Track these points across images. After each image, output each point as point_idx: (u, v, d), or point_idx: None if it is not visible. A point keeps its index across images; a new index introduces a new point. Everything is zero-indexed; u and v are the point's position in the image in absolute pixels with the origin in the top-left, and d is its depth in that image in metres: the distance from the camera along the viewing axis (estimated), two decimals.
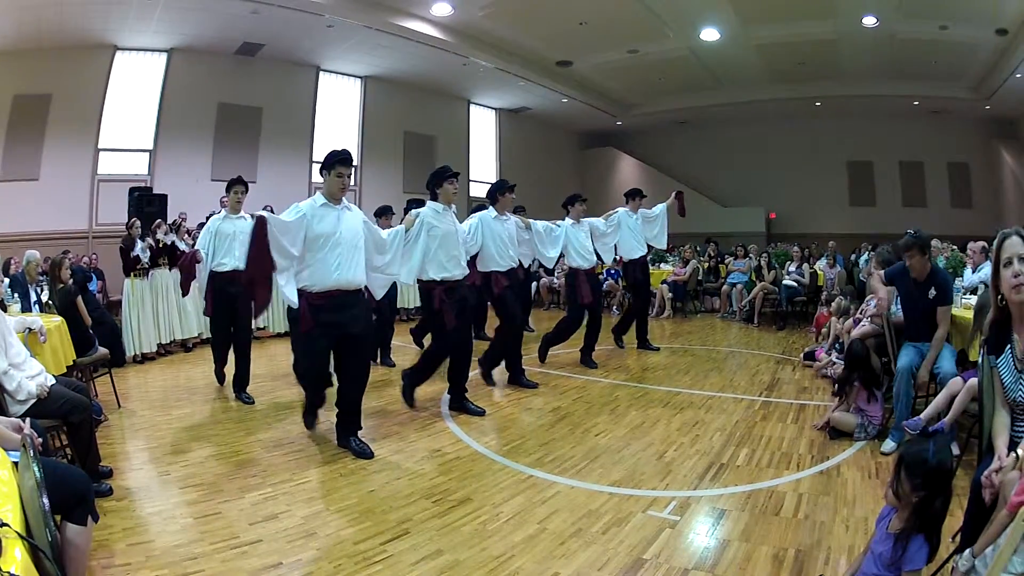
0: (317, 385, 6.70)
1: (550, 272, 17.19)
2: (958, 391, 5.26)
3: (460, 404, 7.53)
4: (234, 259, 7.95)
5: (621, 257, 10.98)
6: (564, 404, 7.83)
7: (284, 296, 5.99)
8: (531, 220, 9.17)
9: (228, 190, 8.40)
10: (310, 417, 6.88)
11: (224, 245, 8.13)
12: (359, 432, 6.28)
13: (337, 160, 6.16)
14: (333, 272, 5.97)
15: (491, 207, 8.25)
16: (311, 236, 5.93)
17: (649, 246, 11.08)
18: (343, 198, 6.25)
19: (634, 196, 10.77)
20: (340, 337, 6.12)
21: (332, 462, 5.85)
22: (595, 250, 10.08)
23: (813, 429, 6.65)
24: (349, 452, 6.10)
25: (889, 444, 5.75)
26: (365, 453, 6.04)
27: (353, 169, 6.42)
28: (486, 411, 7.45)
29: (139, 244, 10.57)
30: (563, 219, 9.88)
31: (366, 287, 6.45)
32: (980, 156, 22.77)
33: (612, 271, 15.50)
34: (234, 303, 8.09)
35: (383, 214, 10.33)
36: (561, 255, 9.68)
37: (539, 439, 6.49)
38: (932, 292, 5.84)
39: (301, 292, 5.99)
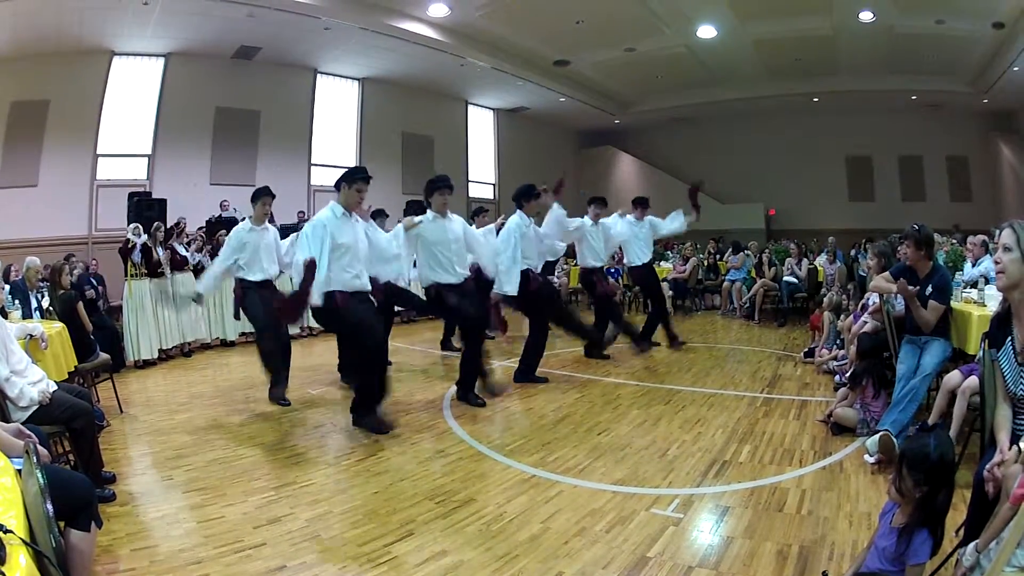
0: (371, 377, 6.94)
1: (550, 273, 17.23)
2: (955, 386, 5.25)
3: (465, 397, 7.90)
4: (262, 271, 8.11)
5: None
6: (566, 403, 7.82)
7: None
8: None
9: (256, 199, 8.24)
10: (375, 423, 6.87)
11: (248, 256, 8.07)
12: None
13: (360, 177, 6.80)
14: (351, 279, 6.65)
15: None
16: (333, 246, 6.48)
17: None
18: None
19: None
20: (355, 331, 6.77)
21: (335, 464, 5.87)
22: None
23: (816, 423, 6.67)
24: (366, 431, 6.74)
25: (871, 443, 5.62)
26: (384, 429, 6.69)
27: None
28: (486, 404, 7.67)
29: (138, 248, 10.59)
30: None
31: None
32: (979, 150, 22.74)
33: (613, 270, 15.43)
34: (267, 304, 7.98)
35: (377, 216, 10.34)
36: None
37: (541, 439, 6.48)
38: (929, 289, 5.82)
39: (331, 292, 6.51)
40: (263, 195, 8.25)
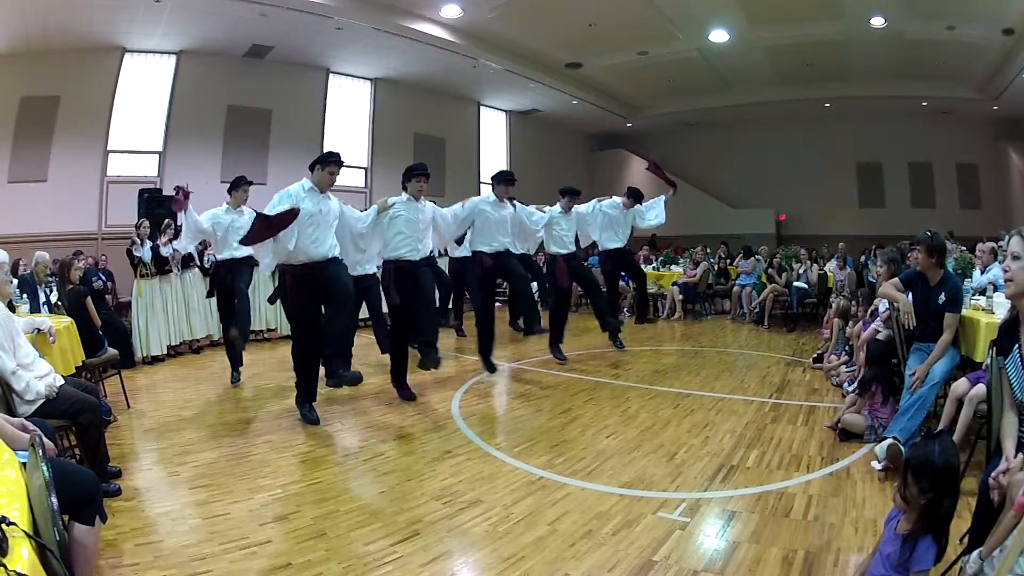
0: (311, 366, 7.29)
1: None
2: (963, 394, 5.23)
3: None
4: (230, 250, 8.84)
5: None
6: (575, 406, 7.81)
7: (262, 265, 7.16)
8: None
9: (237, 187, 9.02)
10: (308, 411, 7.24)
11: (220, 234, 8.90)
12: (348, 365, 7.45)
13: (333, 160, 7.19)
14: (311, 247, 6.91)
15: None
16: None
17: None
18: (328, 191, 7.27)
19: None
20: (323, 293, 7.01)
21: (342, 463, 5.87)
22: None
23: (824, 429, 6.65)
24: (342, 381, 6.99)
25: (880, 449, 5.61)
26: (355, 379, 7.00)
27: (342, 169, 7.25)
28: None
29: (146, 245, 10.62)
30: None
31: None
32: (988, 156, 22.69)
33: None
34: (232, 285, 8.82)
35: None
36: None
37: (550, 440, 6.46)
38: (942, 298, 5.81)
39: (285, 266, 7.07)
40: (241, 183, 9.10)
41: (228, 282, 8.83)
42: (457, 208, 9.12)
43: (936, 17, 14.83)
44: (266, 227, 6.72)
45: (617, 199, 11.15)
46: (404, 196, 8.04)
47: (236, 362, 9.19)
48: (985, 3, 13.88)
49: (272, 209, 6.84)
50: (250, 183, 9.17)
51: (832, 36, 16.62)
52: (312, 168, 7.21)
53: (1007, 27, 14.63)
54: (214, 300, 9.49)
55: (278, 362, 10.18)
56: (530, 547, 4.18)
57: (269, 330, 12.50)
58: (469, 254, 9.61)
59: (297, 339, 7.29)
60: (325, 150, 18.30)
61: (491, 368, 9.38)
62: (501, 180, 9.55)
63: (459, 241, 10.47)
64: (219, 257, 8.98)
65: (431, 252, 8.61)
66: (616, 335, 10.77)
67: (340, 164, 7.20)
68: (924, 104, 21.22)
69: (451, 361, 10.20)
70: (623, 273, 11.92)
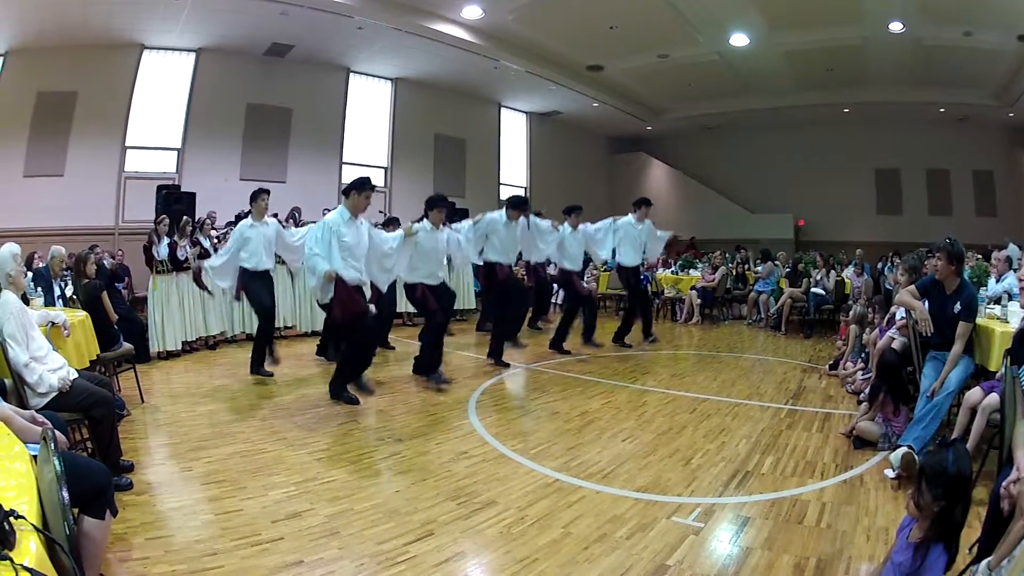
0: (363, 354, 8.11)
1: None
2: (976, 403, 5.19)
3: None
4: (261, 262, 9.12)
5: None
6: (592, 409, 7.77)
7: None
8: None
9: (255, 199, 9.21)
10: (348, 392, 7.82)
11: (249, 247, 9.02)
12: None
13: (370, 187, 7.86)
14: (353, 274, 7.63)
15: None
16: (339, 245, 7.54)
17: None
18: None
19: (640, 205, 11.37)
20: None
21: (357, 462, 5.85)
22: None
23: (839, 436, 6.62)
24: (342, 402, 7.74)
25: (894, 457, 5.58)
26: (357, 396, 7.85)
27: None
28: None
29: (164, 241, 10.61)
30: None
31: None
32: (1004, 164, 22.58)
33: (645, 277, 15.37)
34: (260, 298, 9.14)
35: (390, 224, 11.21)
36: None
37: (566, 443, 6.45)
38: (958, 307, 5.76)
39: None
40: (261, 194, 9.25)
41: (254, 291, 9.08)
42: (471, 224, 9.72)
43: (953, 22, 14.78)
44: (349, 298, 7.52)
45: (631, 216, 11.37)
46: (427, 224, 8.74)
47: (263, 357, 9.24)
48: (1001, 9, 13.85)
49: (316, 242, 7.52)
50: (268, 192, 9.36)
51: (851, 41, 16.60)
52: (347, 193, 7.81)
53: (1022, 33, 14.58)
54: (229, 297, 9.61)
55: (294, 359, 10.19)
56: (544, 549, 4.17)
57: (286, 327, 12.49)
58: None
59: (353, 332, 7.94)
60: (345, 150, 18.68)
61: (502, 364, 10.04)
62: (515, 205, 10.11)
63: None
64: (246, 266, 9.01)
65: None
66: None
67: (374, 189, 7.82)
68: (942, 110, 21.17)
69: (469, 362, 10.19)
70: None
